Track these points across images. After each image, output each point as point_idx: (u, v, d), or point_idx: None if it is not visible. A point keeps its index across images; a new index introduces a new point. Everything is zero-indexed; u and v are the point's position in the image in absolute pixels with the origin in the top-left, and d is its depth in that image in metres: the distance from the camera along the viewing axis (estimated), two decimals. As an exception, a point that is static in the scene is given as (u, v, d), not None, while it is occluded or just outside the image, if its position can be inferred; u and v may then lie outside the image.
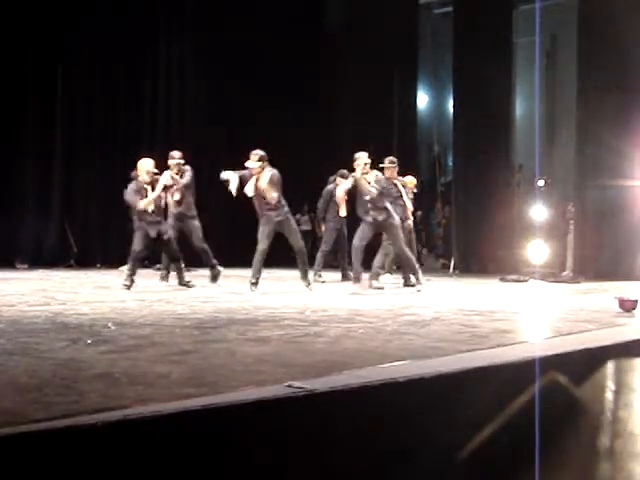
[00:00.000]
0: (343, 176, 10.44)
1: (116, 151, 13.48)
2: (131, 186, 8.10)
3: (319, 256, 10.49)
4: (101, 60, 13.50)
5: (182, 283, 8.39)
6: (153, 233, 8.08)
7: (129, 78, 13.76)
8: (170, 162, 8.84)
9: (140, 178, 8.09)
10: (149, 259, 11.47)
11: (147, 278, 9.17)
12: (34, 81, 12.71)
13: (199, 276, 9.50)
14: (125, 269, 8.23)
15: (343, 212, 9.34)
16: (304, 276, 8.32)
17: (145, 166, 8.12)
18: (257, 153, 7.99)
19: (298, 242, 8.23)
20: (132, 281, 7.93)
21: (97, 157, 13.43)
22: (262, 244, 8.04)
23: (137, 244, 8.08)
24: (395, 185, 9.11)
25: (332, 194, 10.38)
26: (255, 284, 8.00)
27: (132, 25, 13.60)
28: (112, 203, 13.12)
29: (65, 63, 13.12)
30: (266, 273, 8.47)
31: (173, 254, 8.47)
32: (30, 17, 12.37)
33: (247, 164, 7.99)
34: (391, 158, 9.16)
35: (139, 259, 8.19)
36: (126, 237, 11.98)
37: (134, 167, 8.25)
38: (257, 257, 8.05)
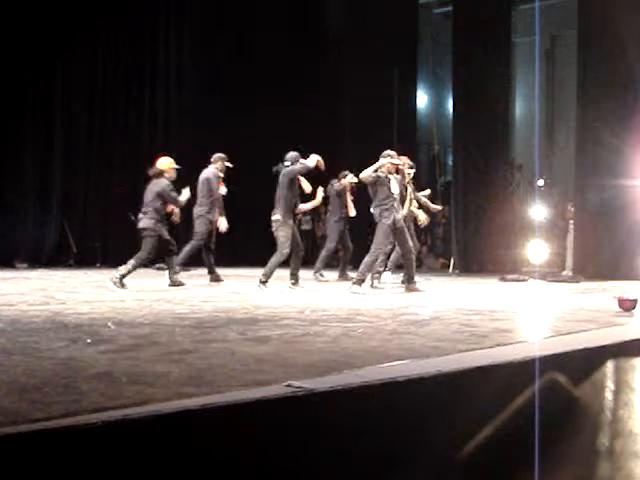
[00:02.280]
0: (345, 177, 10.47)
1: (116, 151, 13.49)
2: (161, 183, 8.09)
3: (324, 255, 10.45)
4: (101, 60, 13.51)
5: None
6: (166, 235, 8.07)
7: (129, 78, 13.77)
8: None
9: (167, 175, 8.14)
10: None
11: (147, 278, 9.16)
12: (34, 81, 12.71)
13: (197, 275, 9.51)
14: (123, 268, 7.97)
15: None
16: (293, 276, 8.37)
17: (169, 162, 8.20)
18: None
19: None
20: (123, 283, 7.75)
21: (97, 157, 13.43)
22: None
23: (151, 250, 7.99)
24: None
25: (340, 194, 10.40)
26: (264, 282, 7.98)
27: (132, 25, 13.60)
28: (112, 203, 13.16)
29: (65, 63, 13.12)
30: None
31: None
32: (30, 17, 12.38)
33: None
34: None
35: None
36: (126, 237, 12.03)
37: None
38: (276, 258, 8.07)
